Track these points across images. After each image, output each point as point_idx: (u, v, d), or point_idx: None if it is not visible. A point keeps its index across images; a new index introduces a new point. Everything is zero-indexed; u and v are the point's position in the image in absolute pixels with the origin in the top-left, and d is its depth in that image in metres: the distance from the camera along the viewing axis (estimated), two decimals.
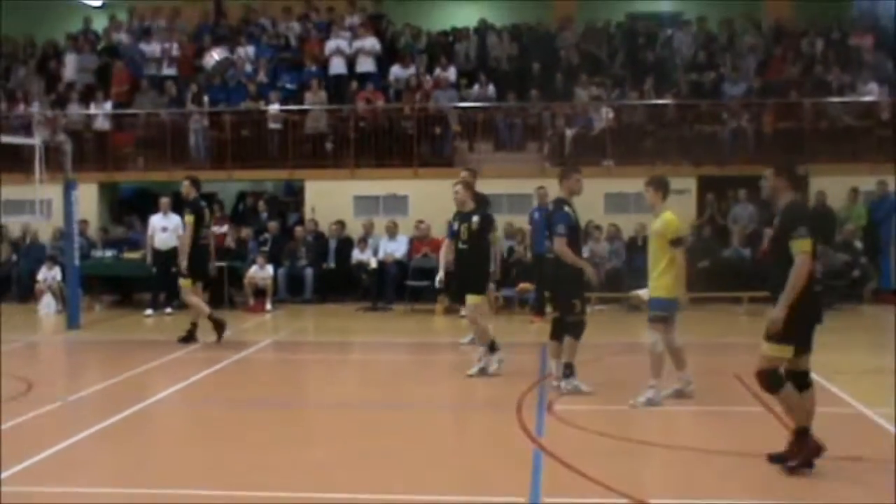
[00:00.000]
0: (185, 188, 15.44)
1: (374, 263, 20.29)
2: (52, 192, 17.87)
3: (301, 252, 20.87)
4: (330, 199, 22.05)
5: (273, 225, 21.69)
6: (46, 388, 11.76)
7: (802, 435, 7.78)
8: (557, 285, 11.31)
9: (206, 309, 15.28)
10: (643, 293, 11.19)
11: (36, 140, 17.57)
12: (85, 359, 14.82)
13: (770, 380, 7.76)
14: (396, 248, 20.59)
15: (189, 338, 15.11)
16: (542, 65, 23.90)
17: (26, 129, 22.94)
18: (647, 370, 10.42)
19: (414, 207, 21.74)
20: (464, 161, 22.57)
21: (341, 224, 21.41)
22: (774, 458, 7.90)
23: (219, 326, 15.04)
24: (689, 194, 21.28)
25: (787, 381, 7.74)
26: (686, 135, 22.10)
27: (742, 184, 20.97)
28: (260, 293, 19.87)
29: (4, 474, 7.77)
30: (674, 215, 10.32)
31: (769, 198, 8.16)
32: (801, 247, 7.60)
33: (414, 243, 20.78)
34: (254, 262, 20.16)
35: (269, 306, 19.65)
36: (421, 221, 20.92)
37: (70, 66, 25.23)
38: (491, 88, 23.33)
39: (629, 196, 20.36)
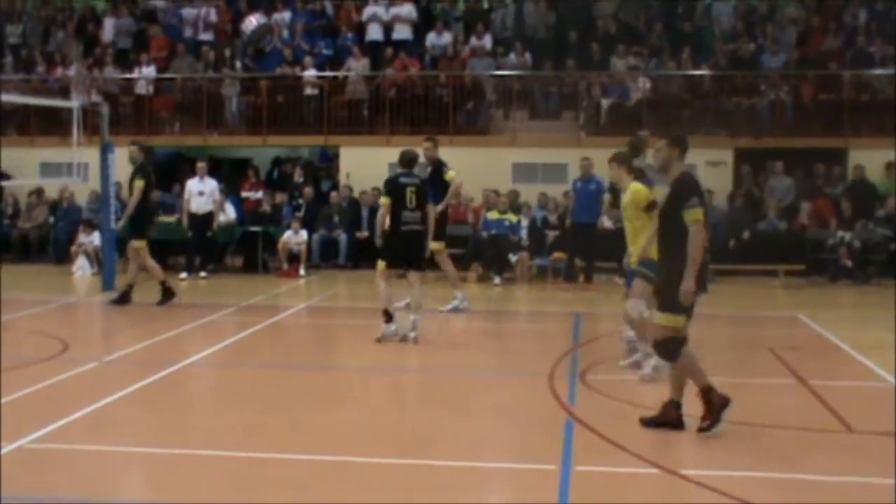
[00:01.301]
0: (134, 153, 15.69)
1: None
2: (88, 155, 17.95)
3: (335, 218, 20.90)
4: (365, 165, 22.04)
5: (308, 191, 21.73)
6: (82, 349, 11.89)
7: (707, 392, 8.05)
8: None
9: (155, 273, 15.61)
10: None
11: (73, 103, 17.65)
12: (120, 321, 14.92)
13: (665, 348, 8.03)
14: None
15: (124, 298, 15.39)
16: (578, 34, 23.74)
17: (64, 92, 23.08)
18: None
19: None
20: (499, 129, 22.60)
21: (376, 191, 21.38)
22: (648, 423, 8.16)
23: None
24: (725, 166, 21.16)
25: (685, 347, 8.00)
26: (723, 106, 21.92)
27: (779, 156, 20.81)
28: (294, 258, 19.93)
29: (41, 432, 7.86)
30: (640, 185, 10.18)
31: (660, 168, 8.24)
32: (694, 216, 7.77)
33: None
34: (288, 227, 20.23)
35: (302, 271, 19.71)
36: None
37: (108, 30, 25.30)
38: (527, 57, 23.20)
39: None
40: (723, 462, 7.41)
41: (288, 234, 20.03)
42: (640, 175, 10.95)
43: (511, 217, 19.50)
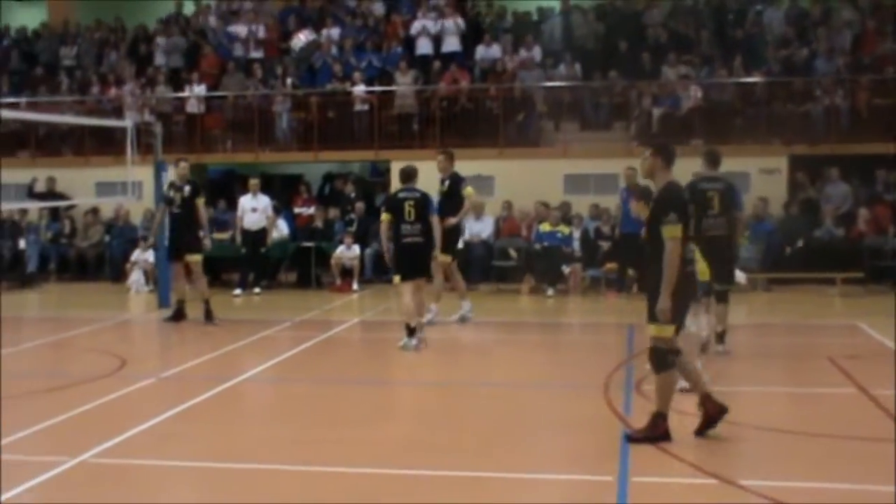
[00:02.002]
0: (184, 169, 15.52)
1: (460, 244, 20.24)
2: (142, 173, 18.14)
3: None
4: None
5: (360, 206, 21.78)
6: (139, 365, 11.99)
7: (660, 418, 8.01)
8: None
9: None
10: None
11: (127, 122, 17.85)
12: (176, 337, 15.03)
13: (659, 358, 8.02)
14: (482, 229, 20.57)
15: (178, 315, 15.45)
16: (628, 43, 23.64)
17: (117, 113, 23.36)
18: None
19: (500, 188, 21.69)
20: (550, 141, 22.56)
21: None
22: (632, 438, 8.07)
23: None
24: (779, 174, 20.94)
25: (673, 366, 8.01)
26: (777, 113, 21.70)
27: (835, 162, 20.57)
28: (347, 273, 19.99)
29: (102, 447, 7.95)
30: None
31: (645, 177, 8.34)
32: (670, 233, 7.77)
33: (502, 224, 20.81)
34: (340, 242, 20.30)
35: (355, 286, 19.76)
36: (509, 202, 20.97)
37: (160, 50, 25.59)
38: (577, 68, 23.15)
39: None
40: (782, 472, 7.31)
41: (340, 250, 20.09)
42: None
43: (563, 229, 19.43)
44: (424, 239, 12.99)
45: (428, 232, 13.02)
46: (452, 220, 14.68)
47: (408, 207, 12.95)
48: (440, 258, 14.35)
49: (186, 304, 15.53)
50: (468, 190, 15.07)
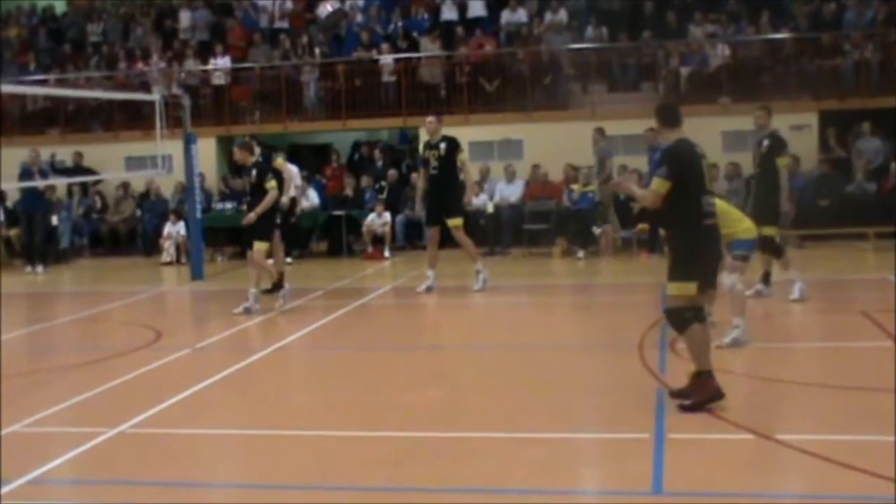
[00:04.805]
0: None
1: (490, 208, 20.29)
2: (171, 147, 18.21)
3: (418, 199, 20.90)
4: None
5: (392, 173, 21.83)
6: (174, 337, 12.09)
7: (706, 376, 7.73)
8: None
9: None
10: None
11: (155, 96, 17.89)
12: (209, 308, 15.14)
13: (676, 318, 7.82)
14: (512, 193, 20.57)
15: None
16: (654, 3, 23.46)
17: (145, 87, 23.44)
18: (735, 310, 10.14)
19: (529, 151, 21.65)
20: (578, 104, 22.44)
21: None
22: (675, 394, 7.91)
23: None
24: (809, 130, 20.77)
25: (695, 321, 7.73)
26: (806, 69, 21.49)
27: (866, 117, 20.36)
28: (378, 241, 20.06)
29: (140, 418, 8.01)
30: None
31: (656, 144, 8.43)
32: (657, 185, 7.75)
33: (530, 187, 20.76)
34: (371, 210, 20.34)
35: (387, 253, 19.82)
36: (537, 165, 20.92)
37: (185, 23, 25.64)
38: (603, 29, 23.01)
39: (747, 134, 19.92)
40: (818, 426, 7.30)
41: (371, 217, 20.14)
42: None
43: (594, 190, 19.38)
44: None
45: None
46: (474, 194, 14.64)
47: None
48: (453, 222, 14.44)
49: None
50: (462, 156, 14.86)
